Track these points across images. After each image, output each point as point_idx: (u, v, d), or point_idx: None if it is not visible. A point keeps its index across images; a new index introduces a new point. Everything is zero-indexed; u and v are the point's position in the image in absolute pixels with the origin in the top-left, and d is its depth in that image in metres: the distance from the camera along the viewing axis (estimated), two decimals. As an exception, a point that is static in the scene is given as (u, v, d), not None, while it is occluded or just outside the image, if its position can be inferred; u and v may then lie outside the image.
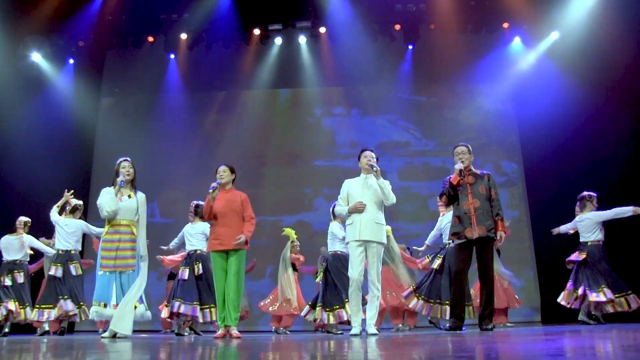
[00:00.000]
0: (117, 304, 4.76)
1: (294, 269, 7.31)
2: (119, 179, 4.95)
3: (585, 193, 6.67)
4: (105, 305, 4.76)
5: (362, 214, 4.74)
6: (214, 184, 4.91)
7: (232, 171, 5.09)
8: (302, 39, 10.38)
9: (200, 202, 6.09)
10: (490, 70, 10.11)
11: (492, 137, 10.11)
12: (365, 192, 4.82)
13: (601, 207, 6.68)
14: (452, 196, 4.91)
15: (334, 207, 5.53)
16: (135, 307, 4.81)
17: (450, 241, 5.54)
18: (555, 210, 8.96)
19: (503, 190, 9.72)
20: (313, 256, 7.92)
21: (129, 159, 5.15)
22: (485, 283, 4.71)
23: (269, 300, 7.24)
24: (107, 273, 4.83)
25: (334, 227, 6.35)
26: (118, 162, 5.10)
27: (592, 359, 1.82)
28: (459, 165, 4.89)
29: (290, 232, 7.36)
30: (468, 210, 4.76)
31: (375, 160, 4.87)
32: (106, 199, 4.92)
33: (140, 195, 5.10)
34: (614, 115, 8.70)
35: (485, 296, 4.72)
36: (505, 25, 9.99)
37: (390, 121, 10.57)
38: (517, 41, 10.14)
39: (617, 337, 3.04)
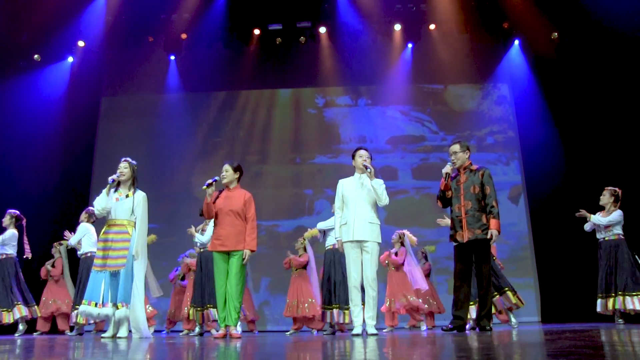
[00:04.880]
0: (102, 304, 4.75)
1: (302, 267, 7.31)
2: (110, 177, 4.98)
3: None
4: (95, 304, 4.75)
5: (356, 214, 4.72)
6: (208, 181, 4.86)
7: (236, 170, 5.02)
8: (302, 39, 10.36)
9: None
10: (489, 69, 10.11)
11: (496, 136, 9.98)
12: (359, 192, 4.78)
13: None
14: (445, 200, 4.84)
15: None
16: (119, 308, 4.78)
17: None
18: (556, 210, 8.98)
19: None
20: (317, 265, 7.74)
21: (128, 159, 5.14)
22: (481, 283, 4.69)
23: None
24: (98, 272, 4.83)
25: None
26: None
27: (592, 359, 1.82)
28: (445, 169, 4.79)
29: (312, 233, 7.19)
30: (459, 213, 4.70)
31: (369, 159, 4.84)
32: (97, 198, 4.97)
33: (139, 195, 5.07)
34: (616, 114, 8.72)
35: (481, 296, 4.70)
36: (506, 25, 10.00)
37: (402, 112, 10.10)
38: (516, 42, 10.16)
39: (616, 337, 3.04)
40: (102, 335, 5.03)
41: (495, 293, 6.08)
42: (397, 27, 10.07)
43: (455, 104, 10.18)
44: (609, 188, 6.49)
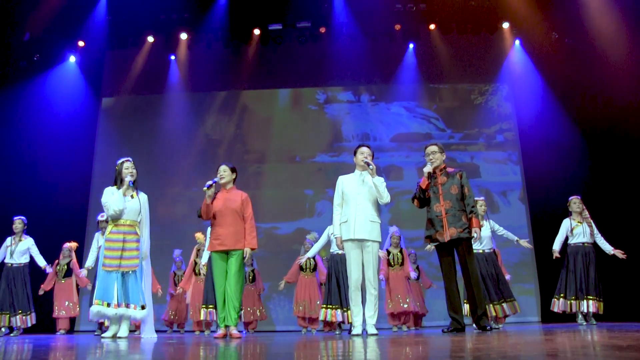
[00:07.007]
0: (117, 304, 4.75)
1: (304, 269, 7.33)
2: (127, 179, 4.93)
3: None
4: (108, 305, 4.75)
5: (357, 212, 4.70)
6: (209, 182, 4.88)
7: (233, 171, 5.08)
8: (302, 39, 10.34)
9: None
10: (490, 69, 10.10)
11: (506, 133, 9.85)
12: (360, 189, 4.76)
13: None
14: (423, 199, 4.82)
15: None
16: (135, 309, 4.80)
17: None
18: (556, 210, 8.96)
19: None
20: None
21: (130, 159, 5.14)
22: (469, 283, 4.69)
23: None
24: (110, 272, 4.83)
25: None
26: (120, 162, 5.07)
27: (591, 359, 1.82)
28: (427, 168, 4.80)
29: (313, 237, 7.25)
30: (439, 212, 4.68)
31: (371, 157, 4.84)
32: (113, 199, 4.88)
33: (143, 196, 5.09)
34: (618, 114, 8.71)
35: (473, 296, 4.69)
36: (506, 25, 9.99)
37: (407, 109, 9.87)
38: (517, 42, 10.15)
39: (615, 337, 3.04)
40: (102, 335, 5.03)
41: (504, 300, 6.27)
42: (397, 27, 10.06)
43: (462, 101, 10.05)
44: (577, 197, 6.62)
